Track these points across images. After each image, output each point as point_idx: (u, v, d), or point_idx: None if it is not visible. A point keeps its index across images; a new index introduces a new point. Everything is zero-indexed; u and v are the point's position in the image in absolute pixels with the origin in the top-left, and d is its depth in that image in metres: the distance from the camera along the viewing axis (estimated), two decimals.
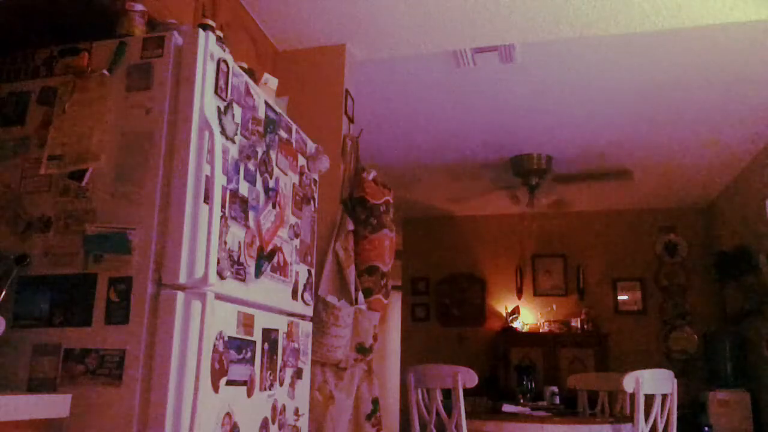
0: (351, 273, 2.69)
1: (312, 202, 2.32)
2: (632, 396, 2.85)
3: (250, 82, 1.86)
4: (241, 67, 1.89)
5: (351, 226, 2.77)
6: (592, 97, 3.81)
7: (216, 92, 1.65)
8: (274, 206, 1.95)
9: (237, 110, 1.76)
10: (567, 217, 6.44)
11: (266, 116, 1.94)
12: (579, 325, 6.08)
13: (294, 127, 2.19)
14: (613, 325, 6.11)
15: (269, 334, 1.88)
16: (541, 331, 6.19)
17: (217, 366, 1.57)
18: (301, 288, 2.16)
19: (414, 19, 2.87)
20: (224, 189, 1.66)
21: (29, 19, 1.83)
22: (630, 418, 2.93)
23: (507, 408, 3.57)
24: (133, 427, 1.40)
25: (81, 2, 1.81)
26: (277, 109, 2.05)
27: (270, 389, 1.87)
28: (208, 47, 1.63)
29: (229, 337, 1.65)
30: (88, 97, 1.64)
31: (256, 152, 1.86)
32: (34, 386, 1.47)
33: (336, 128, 2.99)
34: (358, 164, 3.02)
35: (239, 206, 1.74)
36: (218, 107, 1.66)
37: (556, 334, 6.11)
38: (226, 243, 1.65)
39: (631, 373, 2.79)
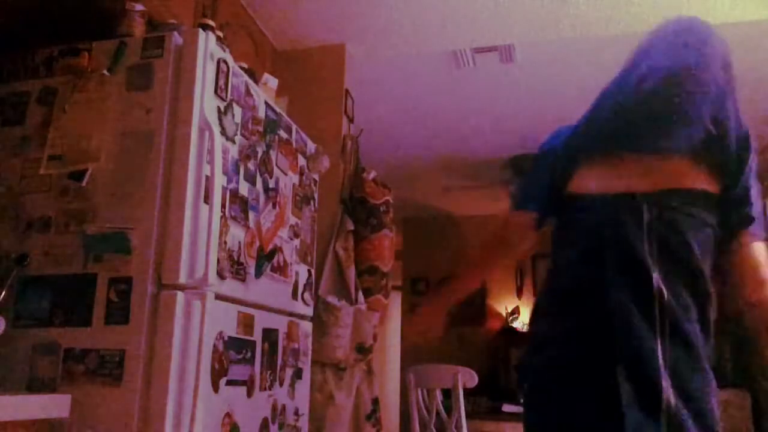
0: (351, 273, 2.69)
1: (312, 202, 2.32)
2: None
3: (250, 82, 1.86)
4: (241, 67, 1.89)
5: (351, 226, 2.77)
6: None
7: (216, 92, 1.65)
8: (274, 206, 1.95)
9: (237, 110, 1.76)
10: None
11: (266, 116, 1.94)
12: None
13: (294, 127, 2.19)
14: None
15: (269, 334, 1.88)
16: None
17: (217, 366, 1.57)
18: (301, 288, 2.16)
19: (414, 19, 2.87)
20: (224, 189, 1.66)
21: (29, 19, 1.83)
22: None
23: (507, 408, 3.57)
24: (133, 427, 1.40)
25: (81, 2, 1.81)
26: (277, 109, 2.05)
27: (270, 389, 1.87)
28: (208, 47, 1.63)
29: (229, 337, 1.65)
30: (88, 97, 1.64)
31: (256, 152, 1.86)
32: (34, 386, 1.47)
33: (336, 128, 2.99)
34: (358, 164, 3.02)
35: (239, 206, 1.74)
36: (218, 107, 1.66)
37: None
38: (226, 243, 1.65)
39: None
